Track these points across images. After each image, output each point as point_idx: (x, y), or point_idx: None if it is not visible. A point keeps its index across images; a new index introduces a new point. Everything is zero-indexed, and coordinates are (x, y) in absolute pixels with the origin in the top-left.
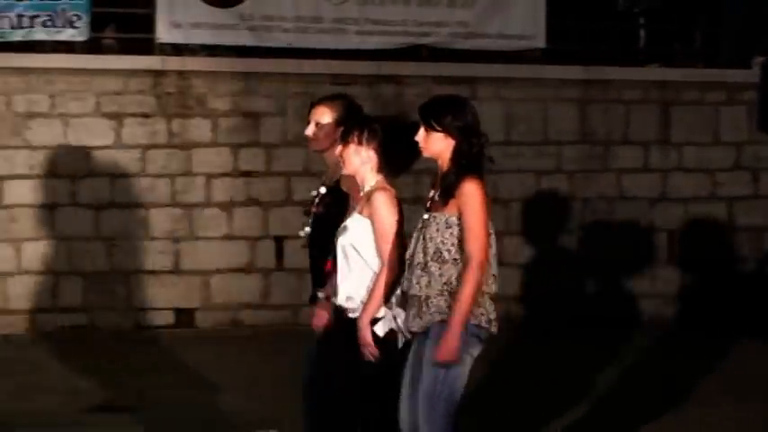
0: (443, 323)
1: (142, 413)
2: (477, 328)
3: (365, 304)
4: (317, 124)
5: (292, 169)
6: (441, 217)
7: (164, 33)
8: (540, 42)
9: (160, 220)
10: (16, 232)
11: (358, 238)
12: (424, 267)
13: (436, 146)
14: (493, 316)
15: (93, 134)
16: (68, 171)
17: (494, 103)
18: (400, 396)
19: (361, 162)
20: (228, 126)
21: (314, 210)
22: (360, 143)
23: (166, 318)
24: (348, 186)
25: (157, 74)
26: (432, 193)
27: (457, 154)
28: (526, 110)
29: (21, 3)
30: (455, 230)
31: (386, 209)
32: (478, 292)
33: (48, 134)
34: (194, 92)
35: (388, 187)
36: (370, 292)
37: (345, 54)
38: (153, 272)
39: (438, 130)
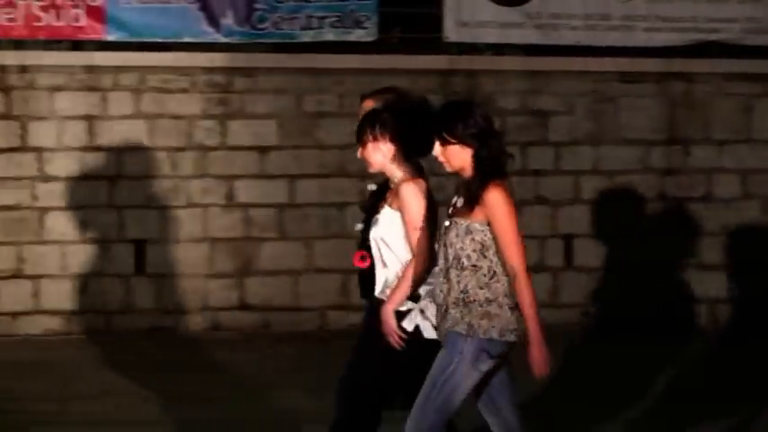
0: (461, 336)
1: None
2: (488, 343)
3: (390, 293)
4: None
5: (581, 168)
6: (462, 223)
7: (451, 32)
8: None
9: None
10: (307, 231)
11: (388, 232)
12: (446, 274)
13: (456, 158)
14: (511, 327)
15: None
16: (357, 171)
17: None
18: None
19: (383, 157)
20: (516, 124)
21: (366, 206)
22: (375, 139)
23: None
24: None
25: (445, 73)
26: (455, 200)
27: (477, 161)
28: None
29: (310, 4)
30: (477, 236)
31: (413, 200)
32: (533, 296)
33: (337, 134)
34: (482, 91)
35: (416, 178)
36: (397, 282)
37: (633, 51)
38: None
39: (453, 142)
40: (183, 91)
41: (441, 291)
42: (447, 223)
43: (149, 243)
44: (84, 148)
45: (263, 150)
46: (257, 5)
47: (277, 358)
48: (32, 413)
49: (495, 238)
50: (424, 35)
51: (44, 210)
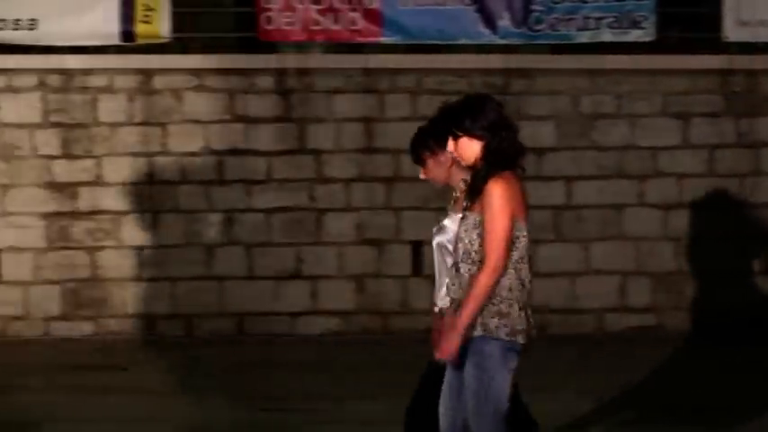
0: (482, 339)
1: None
2: (511, 342)
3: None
4: None
5: None
6: (471, 217)
7: (730, 32)
8: None
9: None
10: (584, 232)
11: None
12: (457, 269)
13: (467, 151)
14: (521, 327)
15: (660, 134)
16: (635, 171)
17: None
18: (440, 413)
19: (446, 169)
20: None
21: None
22: (434, 153)
23: None
24: None
25: (724, 73)
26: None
27: (486, 153)
28: None
29: (587, 5)
30: (480, 231)
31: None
32: (488, 293)
33: (614, 134)
34: (762, 91)
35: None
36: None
37: None
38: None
39: (462, 136)
40: (460, 93)
41: (453, 284)
42: (459, 216)
43: (426, 244)
44: (362, 150)
45: (539, 152)
46: (534, 7)
47: (553, 360)
48: (308, 412)
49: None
50: (703, 35)
51: (322, 211)
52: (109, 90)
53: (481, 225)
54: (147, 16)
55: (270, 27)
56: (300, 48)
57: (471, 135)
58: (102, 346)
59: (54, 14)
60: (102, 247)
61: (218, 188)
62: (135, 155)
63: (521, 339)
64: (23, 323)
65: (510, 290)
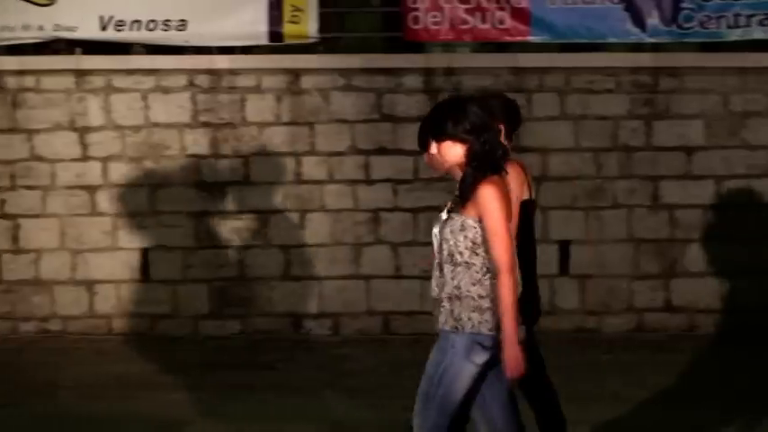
0: (450, 331)
1: None
2: (480, 336)
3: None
4: None
5: None
6: (457, 219)
7: None
8: None
9: None
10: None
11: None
12: (441, 269)
13: (450, 154)
14: (496, 323)
15: None
16: None
17: None
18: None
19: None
20: None
21: None
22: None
23: None
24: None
25: None
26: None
27: (471, 155)
28: None
29: (738, 2)
30: (469, 233)
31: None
32: (515, 293)
33: (765, 133)
34: None
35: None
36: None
37: None
38: None
39: (445, 139)
40: (608, 92)
41: (436, 285)
42: (444, 216)
43: (574, 244)
44: (511, 150)
45: (689, 151)
46: (683, 5)
47: (703, 361)
48: None
49: (478, 231)
50: None
51: None
52: (257, 90)
53: (469, 228)
54: (295, 16)
55: (416, 27)
56: (447, 47)
57: (453, 139)
58: (249, 345)
59: (203, 15)
60: (250, 246)
61: (365, 187)
62: (282, 154)
63: (491, 333)
64: (172, 321)
65: (490, 287)
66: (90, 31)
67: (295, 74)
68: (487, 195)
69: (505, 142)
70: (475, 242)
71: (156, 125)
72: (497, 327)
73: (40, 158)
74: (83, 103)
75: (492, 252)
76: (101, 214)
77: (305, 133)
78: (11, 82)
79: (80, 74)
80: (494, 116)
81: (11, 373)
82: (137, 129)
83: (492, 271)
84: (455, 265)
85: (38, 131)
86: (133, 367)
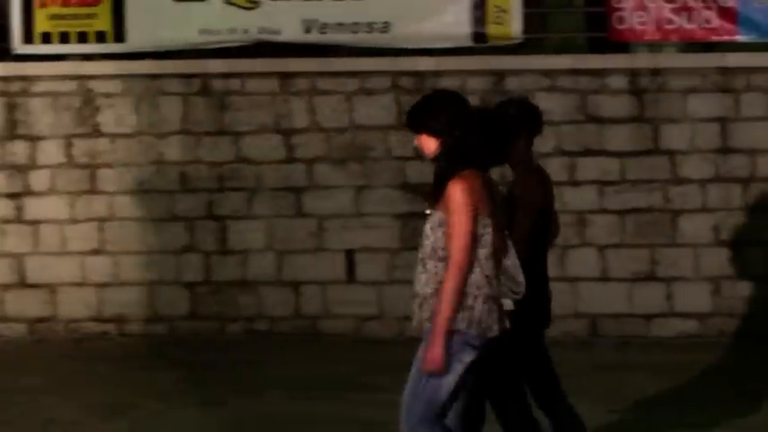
0: (429, 331)
1: None
2: (466, 335)
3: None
4: None
5: None
6: (436, 215)
7: None
8: None
9: None
10: None
11: None
12: (424, 264)
13: (427, 147)
14: (487, 319)
15: None
16: None
17: None
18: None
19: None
20: None
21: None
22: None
23: None
24: (517, 190)
25: None
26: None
27: (443, 150)
28: None
29: None
30: (445, 229)
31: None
32: (458, 293)
33: None
34: None
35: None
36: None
37: None
38: None
39: (422, 132)
40: None
41: (417, 280)
42: (428, 212)
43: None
44: (717, 151)
45: None
46: None
47: None
48: (660, 414)
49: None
50: None
51: (676, 212)
52: (461, 91)
53: (445, 224)
54: (498, 17)
55: (621, 27)
56: (652, 47)
57: (429, 133)
58: None
59: (406, 17)
60: None
61: (570, 189)
62: None
63: (490, 333)
64: (378, 323)
65: (475, 285)
66: (294, 34)
67: (499, 75)
68: (452, 192)
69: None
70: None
71: (360, 127)
72: (481, 324)
73: (246, 160)
74: (287, 105)
75: (449, 246)
76: (306, 215)
77: None
78: (217, 85)
79: (285, 76)
80: (503, 119)
81: (217, 373)
82: (341, 130)
83: (473, 264)
84: (438, 260)
85: (244, 134)
86: (340, 368)
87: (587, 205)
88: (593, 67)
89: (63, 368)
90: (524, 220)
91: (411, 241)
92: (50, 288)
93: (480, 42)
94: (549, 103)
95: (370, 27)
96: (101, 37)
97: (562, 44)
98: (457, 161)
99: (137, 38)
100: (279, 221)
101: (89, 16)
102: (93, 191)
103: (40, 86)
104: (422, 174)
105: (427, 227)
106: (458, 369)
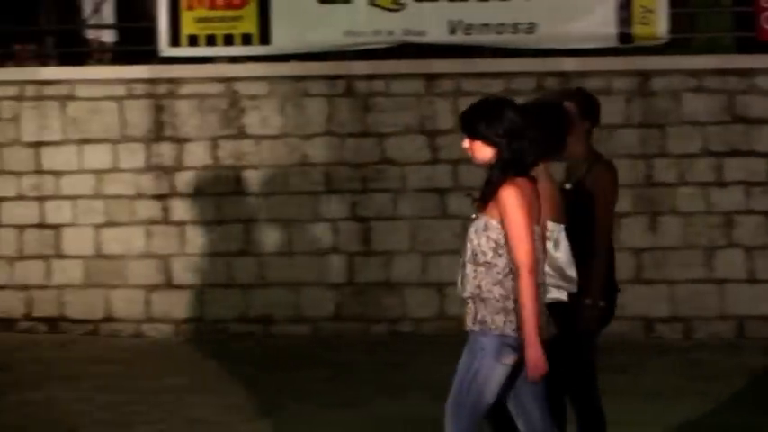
0: (479, 333)
1: None
2: (506, 337)
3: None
4: None
5: None
6: (481, 219)
7: None
8: None
9: None
10: None
11: None
12: (464, 267)
13: (479, 153)
14: (500, 326)
15: None
16: None
17: None
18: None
19: None
20: None
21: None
22: None
23: None
24: (592, 184)
25: None
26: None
27: (498, 160)
28: None
29: None
30: (492, 234)
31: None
32: (535, 296)
33: None
34: None
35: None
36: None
37: None
38: None
39: (476, 138)
40: None
41: (460, 284)
42: (473, 216)
43: None
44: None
45: None
46: None
47: None
48: None
49: (500, 232)
50: None
51: None
52: (606, 92)
53: (492, 228)
54: (644, 17)
55: None
56: None
57: (485, 140)
58: (601, 348)
59: (551, 18)
60: None
61: (718, 190)
62: (633, 156)
63: (516, 334)
64: None
65: (512, 288)
66: (439, 36)
67: (645, 75)
68: (508, 197)
69: (582, 141)
70: (498, 243)
71: None
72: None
73: (390, 162)
74: (432, 106)
75: (512, 252)
76: (451, 217)
77: (655, 135)
78: (361, 86)
79: (429, 77)
80: (535, 122)
81: (361, 374)
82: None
83: (514, 271)
84: (477, 264)
85: (388, 135)
86: None
87: (734, 206)
88: (741, 67)
89: (208, 368)
90: (606, 216)
91: None
92: (197, 289)
93: (626, 43)
94: (695, 104)
95: (515, 28)
96: (246, 39)
97: (709, 44)
98: (511, 171)
99: (282, 40)
100: (423, 222)
101: (235, 19)
102: (238, 192)
103: (186, 89)
104: (569, 175)
105: (471, 230)
106: (501, 372)
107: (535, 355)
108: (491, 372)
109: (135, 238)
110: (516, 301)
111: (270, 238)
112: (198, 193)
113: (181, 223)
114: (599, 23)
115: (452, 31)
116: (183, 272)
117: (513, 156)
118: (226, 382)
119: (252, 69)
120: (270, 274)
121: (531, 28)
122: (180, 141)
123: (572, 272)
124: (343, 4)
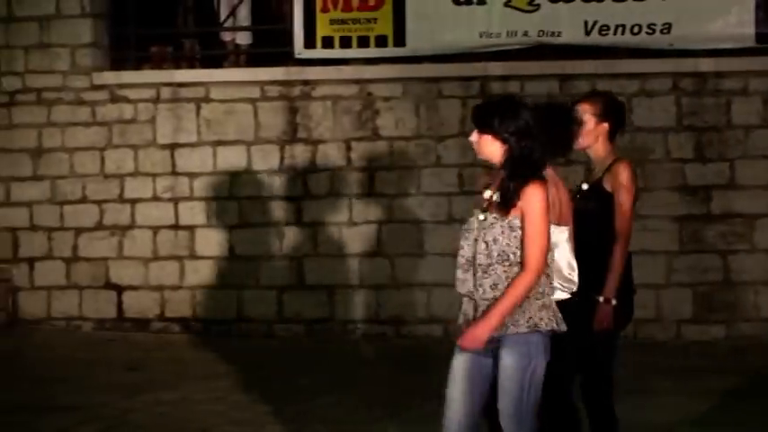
0: (524, 336)
1: None
2: (546, 336)
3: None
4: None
5: None
6: (505, 220)
7: None
8: None
9: None
10: None
11: None
12: (487, 269)
13: (487, 148)
14: (559, 316)
15: None
16: None
17: None
18: (451, 399)
19: None
20: None
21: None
22: None
23: None
24: (612, 184)
25: None
26: (489, 194)
27: (508, 158)
28: None
29: None
30: (519, 233)
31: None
32: (526, 296)
33: None
34: None
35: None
36: None
37: None
38: None
39: (488, 134)
40: None
41: (480, 285)
42: (482, 217)
43: None
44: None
45: None
46: None
47: None
48: None
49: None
50: None
51: None
52: (743, 93)
53: (517, 228)
54: None
55: None
56: None
57: (497, 136)
58: (734, 350)
59: (688, 18)
60: (735, 251)
61: None
62: None
63: (563, 327)
64: (655, 325)
65: (548, 285)
66: (574, 36)
67: None
68: (534, 195)
69: (601, 141)
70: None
71: (640, 129)
72: (560, 321)
73: None
74: None
75: (525, 249)
76: None
77: None
78: (496, 87)
79: (564, 78)
80: (553, 124)
81: None
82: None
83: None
84: (510, 264)
85: None
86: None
87: None
88: None
89: (339, 369)
90: (626, 218)
91: (690, 244)
92: (328, 289)
93: (764, 43)
94: None
95: (651, 28)
96: (381, 41)
97: None
98: (523, 171)
99: (417, 42)
100: None
101: (370, 21)
102: (371, 193)
103: (321, 90)
104: (701, 176)
105: (493, 232)
106: (545, 367)
107: (480, 332)
108: (543, 369)
109: (267, 239)
110: (549, 295)
111: (403, 239)
112: (331, 195)
113: (313, 224)
114: (736, 23)
115: (587, 32)
116: (315, 272)
117: (523, 153)
118: (356, 382)
119: (386, 71)
120: (401, 274)
121: (666, 28)
122: (314, 143)
123: (572, 274)
124: (479, 5)
